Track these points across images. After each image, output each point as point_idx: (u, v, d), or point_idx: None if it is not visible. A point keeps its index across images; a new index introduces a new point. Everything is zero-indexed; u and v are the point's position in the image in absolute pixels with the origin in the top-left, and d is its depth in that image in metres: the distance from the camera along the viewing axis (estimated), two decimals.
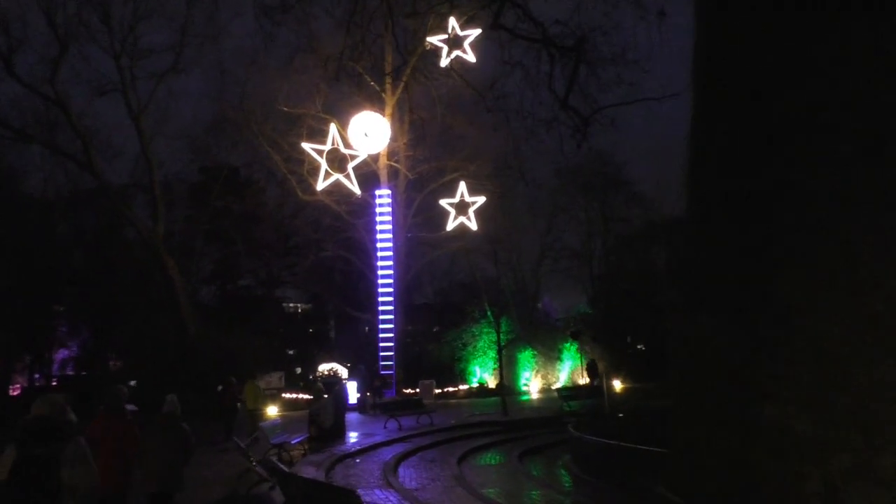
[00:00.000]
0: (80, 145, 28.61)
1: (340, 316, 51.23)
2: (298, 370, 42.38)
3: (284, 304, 52.13)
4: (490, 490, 12.07)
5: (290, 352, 46.56)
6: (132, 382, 31.25)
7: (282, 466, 9.77)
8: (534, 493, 12.64)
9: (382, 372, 26.45)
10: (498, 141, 28.98)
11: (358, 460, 14.93)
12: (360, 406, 25.49)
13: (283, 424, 15.36)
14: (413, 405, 21.52)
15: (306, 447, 15.44)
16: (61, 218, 38.33)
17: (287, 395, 29.08)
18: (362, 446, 16.40)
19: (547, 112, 12.31)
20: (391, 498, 10.64)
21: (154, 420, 7.28)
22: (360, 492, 11.01)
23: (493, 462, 16.39)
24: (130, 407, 19.04)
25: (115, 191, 30.40)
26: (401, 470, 14.16)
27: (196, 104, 68.72)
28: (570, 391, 26.98)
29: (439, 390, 30.09)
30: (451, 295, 46.59)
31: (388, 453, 15.99)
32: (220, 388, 26.42)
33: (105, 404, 7.15)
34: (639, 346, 42.55)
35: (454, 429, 20.83)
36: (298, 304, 56.99)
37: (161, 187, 31.97)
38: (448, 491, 11.71)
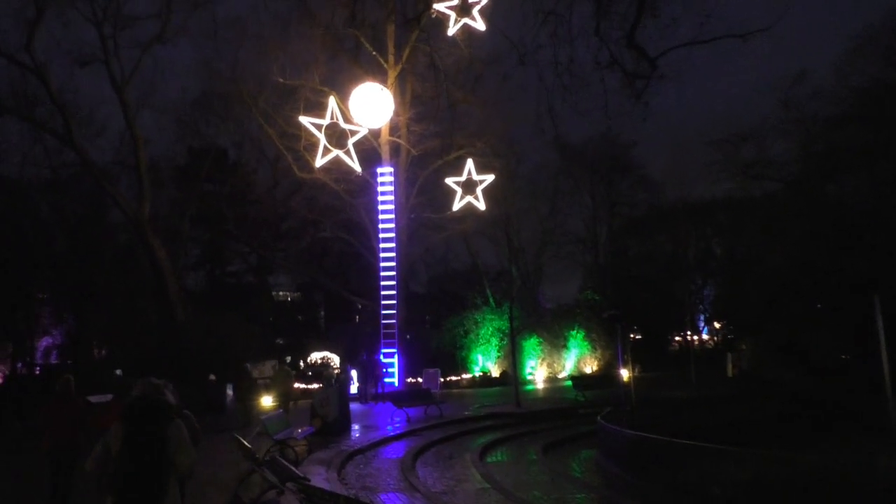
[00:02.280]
0: (60, 119, 26.68)
1: (331, 304, 49.76)
2: (289, 359, 40.83)
3: (274, 293, 50.50)
4: (534, 493, 10.58)
5: (280, 341, 45.09)
6: (118, 371, 29.68)
7: (296, 472, 8.23)
8: (579, 496, 11.17)
9: (384, 360, 24.85)
10: (507, 114, 27.59)
11: (370, 457, 13.41)
12: (361, 396, 24.05)
13: (286, 417, 13.79)
14: (422, 396, 20.02)
15: (310, 442, 13.87)
16: (42, 200, 36.47)
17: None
18: (371, 441, 14.88)
19: (588, 64, 10.72)
20: None
21: None
22: (381, 497, 9.49)
23: (518, 458, 14.91)
24: (106, 397, 17.03)
25: (97, 168, 28.47)
26: (419, 468, 12.66)
27: (184, 78, 66.20)
28: (584, 380, 25.57)
29: (442, 379, 28.61)
30: (447, 283, 45.16)
31: (401, 449, 14.50)
32: (211, 377, 25.01)
33: (56, 392, 8.43)
34: (635, 336, 41.23)
35: (465, 421, 19.38)
36: (288, 293, 55.50)
37: (147, 167, 30.14)
38: (481, 495, 10.22)
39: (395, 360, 25.41)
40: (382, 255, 25.82)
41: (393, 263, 25.81)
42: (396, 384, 25.10)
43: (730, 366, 30.69)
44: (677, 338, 48.52)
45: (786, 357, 24.53)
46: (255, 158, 38.72)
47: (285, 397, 18.96)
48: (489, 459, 14.40)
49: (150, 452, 4.49)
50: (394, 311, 25.46)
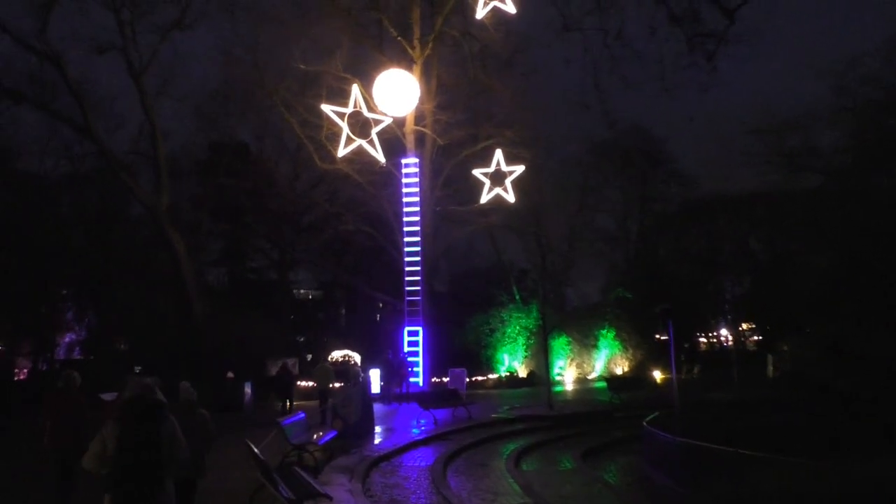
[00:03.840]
0: (78, 108, 25.93)
1: (352, 303, 48.82)
2: (309, 357, 40.04)
3: (294, 291, 49.71)
4: None
5: (300, 339, 44.29)
6: (137, 368, 28.98)
7: (316, 486, 7.13)
8: None
9: (409, 359, 23.72)
10: (538, 102, 26.36)
11: (396, 465, 12.30)
12: (383, 396, 22.99)
13: (307, 420, 12.71)
14: (449, 397, 18.86)
15: (331, 446, 12.78)
16: (62, 194, 36.02)
17: (302, 384, 26.59)
18: (396, 446, 13.78)
19: (639, 33, 9.53)
20: None
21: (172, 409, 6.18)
22: None
23: (557, 467, 13.71)
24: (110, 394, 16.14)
25: (115, 158, 27.68)
26: (450, 477, 11.52)
27: (204, 66, 65.53)
28: (619, 382, 24.28)
29: (467, 380, 27.42)
30: (470, 281, 43.96)
31: (429, 455, 13.38)
32: (229, 374, 24.11)
33: (59, 388, 8.40)
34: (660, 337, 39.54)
35: (495, 424, 18.22)
36: (309, 291, 54.80)
37: (166, 159, 29.37)
38: None
39: (419, 359, 24.29)
40: (407, 248, 24.69)
41: (417, 258, 24.68)
42: (421, 384, 23.99)
43: (770, 367, 29.16)
44: (702, 339, 46.93)
45: (835, 359, 23.00)
46: (275, 151, 37.95)
47: (324, 395, 18.81)
48: (525, 467, 13.23)
49: (145, 451, 4.60)
50: (418, 308, 24.35)
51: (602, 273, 42.62)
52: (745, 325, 43.05)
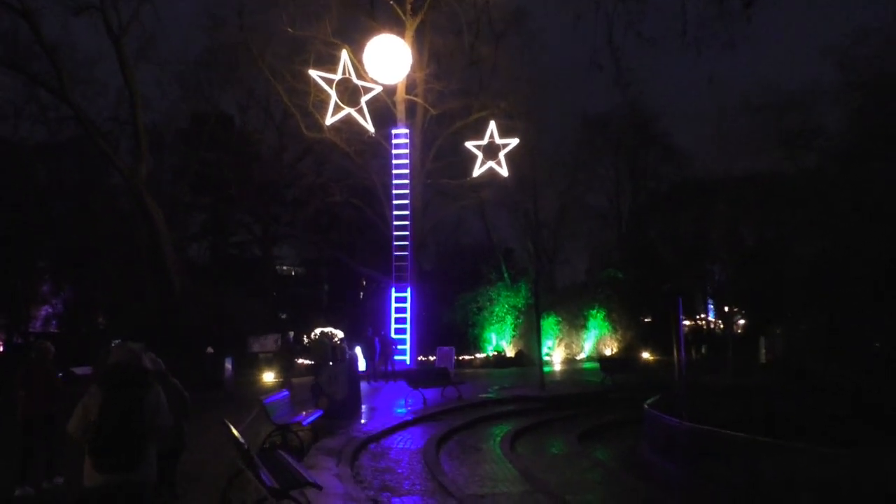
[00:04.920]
0: (52, 69, 24.65)
1: (336, 280, 47.98)
2: (292, 334, 39.28)
3: (278, 267, 48.73)
4: (587, 497, 8.75)
5: (283, 315, 43.42)
6: (115, 342, 28.06)
7: (302, 474, 6.36)
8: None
9: (396, 337, 22.99)
10: (535, 73, 25.50)
11: (385, 447, 11.59)
12: (368, 374, 22.26)
13: (292, 398, 11.92)
14: (439, 376, 18.17)
15: (315, 426, 12.00)
16: (38, 163, 34.70)
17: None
18: (385, 427, 13.07)
19: None
20: None
21: None
22: (407, 501, 7.66)
23: (554, 450, 13.08)
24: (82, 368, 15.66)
25: (92, 124, 26.44)
26: (444, 461, 10.84)
27: (186, 33, 63.46)
28: (613, 362, 23.71)
29: (455, 358, 26.78)
30: (457, 259, 43.26)
31: (420, 436, 12.70)
32: (209, 350, 23.26)
33: (31, 359, 8.36)
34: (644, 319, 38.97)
35: (486, 404, 17.58)
36: (292, 267, 53.87)
37: (147, 130, 28.19)
38: (527, 500, 8.37)
39: (406, 336, 23.57)
40: (396, 223, 23.87)
41: (406, 233, 23.87)
42: (408, 362, 23.30)
43: (763, 351, 28.76)
44: (686, 322, 46.56)
45: (831, 346, 22.59)
46: (260, 122, 36.83)
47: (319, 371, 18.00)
48: (521, 450, 12.57)
49: (128, 418, 4.52)
50: (406, 284, 23.59)
51: (587, 253, 42.07)
52: (727, 308, 42.75)
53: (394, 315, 23.62)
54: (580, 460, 11.83)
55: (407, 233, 23.80)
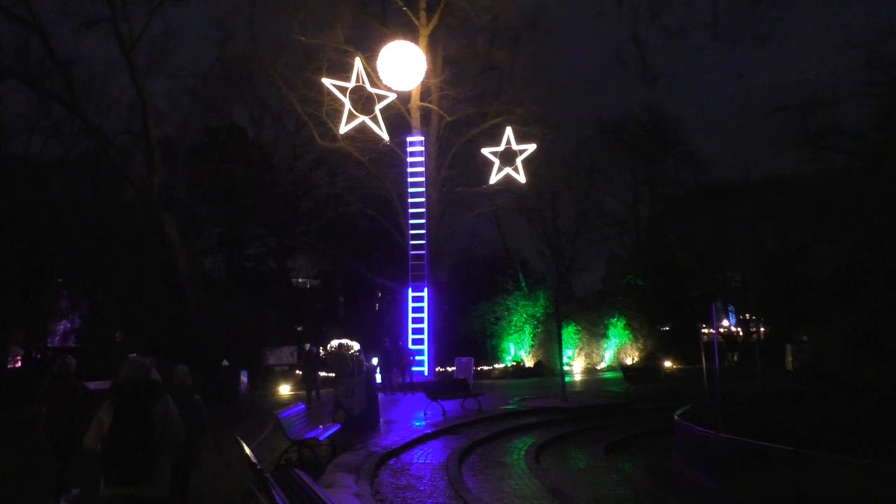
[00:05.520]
0: (63, 82, 24.58)
1: (351, 292, 47.68)
2: (307, 346, 38.92)
3: (293, 280, 48.52)
4: None
5: (298, 328, 43.12)
6: (132, 355, 27.80)
7: (321, 495, 5.89)
8: None
9: (413, 347, 22.52)
10: (552, 78, 25.07)
11: (406, 462, 11.11)
12: (383, 386, 21.80)
13: (310, 411, 11.46)
14: (459, 387, 17.68)
15: (333, 440, 11.54)
16: (53, 179, 34.75)
17: (300, 373, 25.48)
18: (405, 441, 12.57)
19: None
20: None
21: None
22: None
23: (581, 464, 12.53)
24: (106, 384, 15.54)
25: (104, 136, 26.33)
26: (467, 476, 10.34)
27: (197, 46, 63.92)
28: (636, 372, 23.10)
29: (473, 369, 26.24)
30: (472, 269, 42.77)
31: (441, 450, 12.21)
32: (224, 363, 22.89)
33: (53, 373, 8.18)
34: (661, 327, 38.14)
35: (507, 416, 17.03)
36: (307, 280, 53.69)
37: (160, 144, 28.05)
38: None
39: (424, 347, 23.10)
40: (412, 231, 23.45)
41: (423, 242, 23.44)
42: (426, 373, 22.82)
43: (790, 358, 27.97)
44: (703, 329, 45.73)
45: (862, 350, 21.81)
46: (273, 134, 36.64)
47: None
48: (547, 464, 12.04)
49: (139, 430, 4.53)
50: (423, 283, 23.10)
51: (604, 260, 41.36)
52: (747, 315, 41.92)
53: (411, 316, 23.16)
54: (609, 475, 11.27)
55: (423, 231, 23.39)
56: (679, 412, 12.89)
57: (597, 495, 9.61)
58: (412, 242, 23.33)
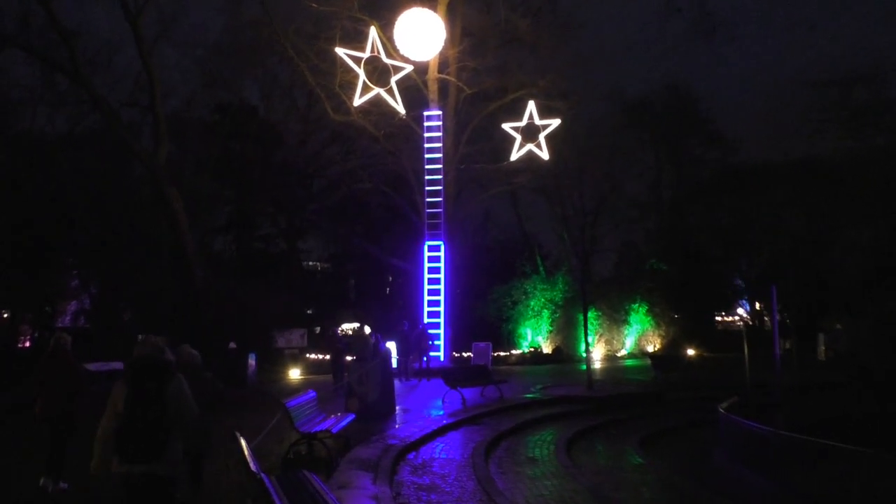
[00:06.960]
0: (65, 50, 23.54)
1: (362, 276, 46.77)
2: (318, 329, 38.09)
3: (304, 263, 47.62)
4: None
5: (309, 311, 42.28)
6: (140, 337, 27.05)
7: (330, 500, 4.86)
8: None
9: (430, 331, 21.48)
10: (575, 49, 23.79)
11: (426, 456, 10.09)
12: (399, 372, 20.81)
13: (318, 398, 10.44)
14: (479, 374, 16.66)
15: (347, 431, 10.51)
16: (59, 155, 33.91)
17: (311, 356, 24.64)
18: (424, 432, 11.54)
19: None
20: None
21: None
22: None
23: (618, 461, 11.44)
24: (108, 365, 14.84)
25: (108, 106, 25.30)
26: (495, 475, 9.30)
27: (206, 16, 62.69)
28: (663, 359, 22.00)
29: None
30: (488, 253, 41.68)
31: (463, 442, 11.21)
32: (231, 345, 22.00)
33: (48, 351, 7.97)
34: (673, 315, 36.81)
35: (530, 406, 15.99)
36: (318, 263, 52.88)
37: (168, 118, 27.05)
38: None
39: (441, 331, 22.07)
40: (428, 210, 22.35)
41: (439, 221, 22.34)
42: (443, 359, 21.81)
43: (822, 348, 26.75)
44: (718, 318, 44.55)
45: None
46: (284, 110, 35.56)
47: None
48: (579, 460, 10.99)
49: (152, 409, 4.56)
50: (440, 234, 22.00)
51: (616, 246, 40.08)
52: (758, 305, 40.64)
53: (427, 277, 22.07)
54: (650, 473, 10.21)
55: (439, 220, 22.28)
56: (724, 405, 11.78)
57: (644, 498, 8.55)
58: (428, 189, 22.16)
